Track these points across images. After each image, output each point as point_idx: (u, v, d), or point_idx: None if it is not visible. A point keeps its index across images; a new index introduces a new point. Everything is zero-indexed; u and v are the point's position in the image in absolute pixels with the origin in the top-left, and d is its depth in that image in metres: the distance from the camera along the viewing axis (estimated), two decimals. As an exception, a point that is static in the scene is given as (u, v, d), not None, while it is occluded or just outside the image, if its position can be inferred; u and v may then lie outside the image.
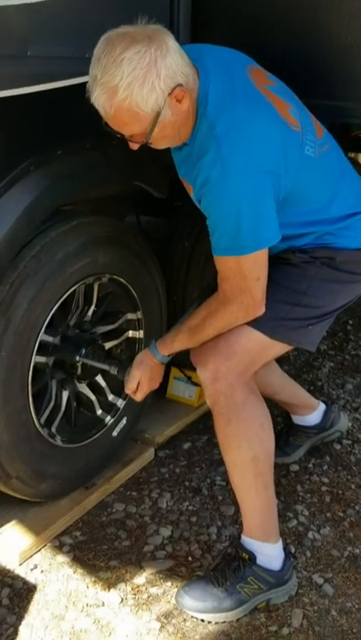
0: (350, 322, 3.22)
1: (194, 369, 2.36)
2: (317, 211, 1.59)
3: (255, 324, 1.60)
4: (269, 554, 1.72)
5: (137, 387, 1.77)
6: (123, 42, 1.33)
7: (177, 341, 1.67)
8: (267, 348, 1.66)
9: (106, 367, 1.94)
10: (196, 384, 2.41)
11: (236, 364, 1.61)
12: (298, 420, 2.25)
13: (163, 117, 1.39)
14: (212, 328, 1.60)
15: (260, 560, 1.70)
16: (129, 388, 1.78)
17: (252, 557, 1.70)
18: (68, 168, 1.74)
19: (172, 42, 1.38)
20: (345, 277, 1.65)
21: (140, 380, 1.76)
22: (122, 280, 2.02)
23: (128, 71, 1.32)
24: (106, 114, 1.39)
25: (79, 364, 1.93)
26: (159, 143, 1.50)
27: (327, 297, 1.66)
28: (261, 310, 1.56)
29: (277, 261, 1.62)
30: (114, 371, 1.89)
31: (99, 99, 1.37)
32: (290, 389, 2.20)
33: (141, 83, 1.33)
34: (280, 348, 1.69)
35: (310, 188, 1.56)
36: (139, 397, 1.80)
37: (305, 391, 2.27)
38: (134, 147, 1.48)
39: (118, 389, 2.07)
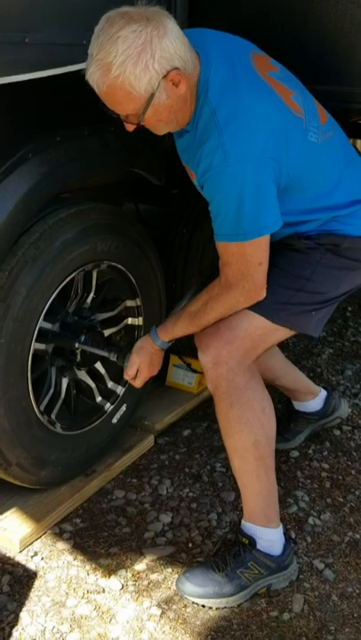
0: (349, 309, 3.22)
1: (193, 356, 2.38)
2: (322, 197, 1.59)
3: (257, 308, 1.59)
4: (270, 539, 1.73)
5: (136, 373, 1.77)
6: (121, 20, 1.34)
7: (178, 327, 1.67)
8: (269, 333, 1.65)
9: (105, 354, 1.93)
10: (196, 371, 2.41)
11: (237, 348, 1.60)
12: (299, 405, 2.25)
13: (157, 100, 1.39)
14: (214, 313, 1.60)
15: (261, 545, 1.71)
16: (128, 374, 1.79)
17: (253, 542, 1.71)
18: (67, 155, 1.72)
19: (171, 24, 1.37)
20: (349, 264, 1.65)
21: (140, 366, 1.76)
22: (120, 267, 2.01)
23: (122, 49, 1.32)
24: (99, 91, 1.38)
25: (78, 351, 1.93)
26: (157, 128, 1.49)
27: (331, 283, 1.65)
28: (263, 294, 1.56)
29: (282, 247, 1.62)
30: (113, 357, 1.89)
31: (93, 75, 1.36)
32: (292, 375, 2.20)
33: (135, 61, 1.33)
34: (282, 334, 1.68)
35: (314, 175, 1.55)
36: (138, 383, 1.80)
37: (306, 377, 2.27)
38: (130, 128, 1.47)
39: (118, 376, 2.06)
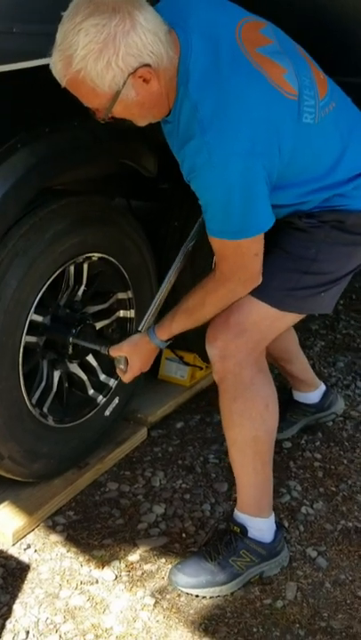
0: (341, 302, 3.23)
1: (186, 349, 2.38)
2: (321, 177, 1.51)
3: (263, 296, 1.56)
4: (261, 527, 1.73)
5: (127, 367, 1.74)
6: (86, 9, 1.24)
7: (175, 324, 1.63)
8: (277, 321, 1.63)
9: (97, 347, 1.92)
10: (188, 364, 2.41)
11: (245, 341, 1.59)
12: (299, 396, 2.26)
13: (125, 97, 1.31)
14: (212, 307, 1.57)
15: (252, 533, 1.71)
16: (120, 368, 1.76)
17: (244, 530, 1.71)
18: (56, 146, 1.72)
19: (141, 16, 1.26)
20: (356, 239, 1.58)
21: (131, 362, 1.73)
22: (112, 259, 2.00)
23: (83, 43, 1.24)
24: (62, 83, 1.31)
25: (70, 344, 1.92)
26: (135, 120, 1.43)
27: (338, 261, 1.59)
28: (259, 280, 1.52)
29: (284, 225, 1.55)
30: (104, 350, 1.87)
31: (55, 65, 1.29)
32: (301, 363, 2.21)
33: (96, 58, 1.24)
34: (292, 318, 1.66)
35: (311, 157, 1.47)
36: (126, 379, 1.77)
37: (311, 369, 2.27)
38: (100, 120, 1.39)
39: (110, 369, 2.06)
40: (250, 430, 1.64)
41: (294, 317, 1.67)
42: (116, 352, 1.74)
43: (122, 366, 1.75)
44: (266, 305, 1.57)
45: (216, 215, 1.41)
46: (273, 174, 1.40)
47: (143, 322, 1.72)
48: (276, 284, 1.56)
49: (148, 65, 1.29)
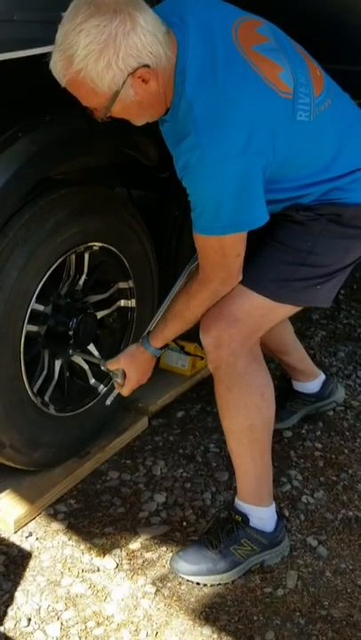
0: (342, 291, 3.22)
1: (187, 339, 2.38)
2: (318, 172, 1.52)
3: (258, 287, 1.57)
4: (262, 516, 1.74)
5: (124, 380, 1.74)
6: (87, 10, 1.26)
7: (168, 330, 1.65)
8: (272, 312, 1.64)
9: (95, 361, 1.94)
10: (189, 354, 2.41)
11: (238, 331, 1.59)
12: (298, 386, 2.26)
13: (124, 96, 1.33)
14: (197, 308, 1.59)
15: (253, 522, 1.72)
16: (117, 382, 1.77)
17: (246, 519, 1.72)
18: (57, 135, 1.71)
19: (141, 18, 1.27)
20: (354, 233, 1.58)
21: (129, 374, 1.73)
22: (113, 249, 2.00)
23: (84, 43, 1.25)
24: (62, 83, 1.33)
25: (72, 334, 1.92)
26: (130, 119, 1.44)
27: (335, 254, 1.60)
28: (238, 279, 1.55)
29: (281, 218, 1.56)
30: (102, 365, 1.82)
31: (56, 65, 1.30)
32: (299, 354, 2.21)
33: (96, 58, 1.26)
34: (287, 310, 1.67)
35: (307, 153, 1.49)
36: (125, 392, 1.77)
37: (310, 359, 2.27)
38: (98, 119, 1.41)
39: (111, 358, 2.06)
40: (246, 419, 1.64)
41: (290, 309, 1.67)
42: (113, 365, 1.75)
43: (119, 380, 1.75)
44: (260, 296, 1.58)
45: (205, 212, 1.41)
46: (267, 172, 1.41)
47: (145, 335, 1.73)
48: (271, 275, 1.57)
49: (147, 65, 1.31)
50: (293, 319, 2.85)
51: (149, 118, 1.45)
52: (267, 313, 1.62)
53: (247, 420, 1.64)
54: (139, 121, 1.46)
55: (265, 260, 1.58)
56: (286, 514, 1.91)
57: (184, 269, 1.70)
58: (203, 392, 2.42)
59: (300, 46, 1.55)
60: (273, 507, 1.77)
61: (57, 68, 1.31)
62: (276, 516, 1.77)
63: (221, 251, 1.46)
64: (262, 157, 1.37)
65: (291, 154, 1.44)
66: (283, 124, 1.41)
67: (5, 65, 1.44)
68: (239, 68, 1.38)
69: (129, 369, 1.74)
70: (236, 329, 1.58)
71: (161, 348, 1.70)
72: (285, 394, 2.28)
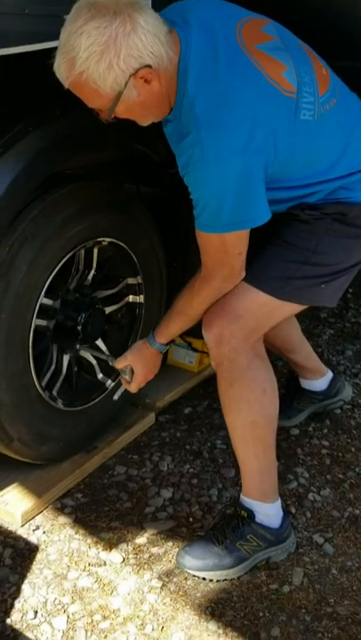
0: (350, 290, 3.21)
1: (194, 335, 2.38)
2: (323, 172, 1.53)
3: (261, 285, 1.57)
4: (268, 513, 1.74)
5: (132, 377, 1.76)
6: (88, 13, 1.27)
7: (172, 326, 1.66)
8: (275, 310, 1.63)
9: (104, 357, 1.95)
10: (197, 350, 2.41)
11: (240, 327, 1.59)
12: (305, 384, 2.26)
13: (127, 97, 1.34)
14: (200, 305, 1.59)
15: (259, 518, 1.72)
16: (124, 379, 1.78)
17: (251, 515, 1.72)
18: (67, 129, 1.71)
19: (141, 19, 1.28)
20: (358, 232, 1.58)
21: (136, 370, 1.75)
22: (122, 244, 2.00)
23: (85, 46, 1.27)
24: (65, 85, 1.34)
25: (80, 329, 1.93)
26: (137, 120, 1.45)
27: (340, 254, 1.60)
28: (242, 277, 1.55)
29: (286, 217, 1.57)
30: (111, 362, 1.85)
31: (59, 67, 1.32)
32: (306, 351, 2.21)
33: (97, 60, 1.27)
34: (290, 309, 1.67)
35: (311, 153, 1.49)
36: (132, 388, 1.79)
37: (317, 356, 2.27)
38: (103, 119, 1.42)
39: (119, 354, 2.06)
40: (248, 415, 1.64)
41: (293, 307, 1.67)
42: (121, 363, 1.77)
43: (127, 377, 1.77)
44: (263, 293, 1.58)
45: (207, 209, 1.42)
46: (268, 171, 1.41)
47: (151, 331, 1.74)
48: (274, 273, 1.57)
49: (148, 66, 1.31)
50: (301, 317, 2.85)
51: (154, 118, 1.46)
52: (270, 311, 1.62)
53: (249, 416, 1.65)
54: (144, 121, 1.47)
55: (269, 259, 1.58)
56: (293, 511, 1.91)
57: None
58: (210, 388, 2.42)
59: (307, 45, 1.56)
60: (279, 503, 1.77)
61: (60, 70, 1.33)
62: (282, 513, 1.77)
63: (223, 248, 1.47)
64: (263, 156, 1.38)
65: (294, 153, 1.44)
66: (285, 123, 1.41)
67: (17, 58, 1.44)
68: (242, 66, 1.38)
69: (136, 365, 1.75)
70: (237, 326, 1.59)
71: (166, 344, 1.71)
72: (293, 392, 2.28)
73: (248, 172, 1.37)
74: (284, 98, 1.41)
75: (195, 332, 2.38)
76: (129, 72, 1.30)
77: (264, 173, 1.39)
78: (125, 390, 2.10)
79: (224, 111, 1.34)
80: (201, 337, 2.37)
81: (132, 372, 1.76)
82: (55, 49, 1.45)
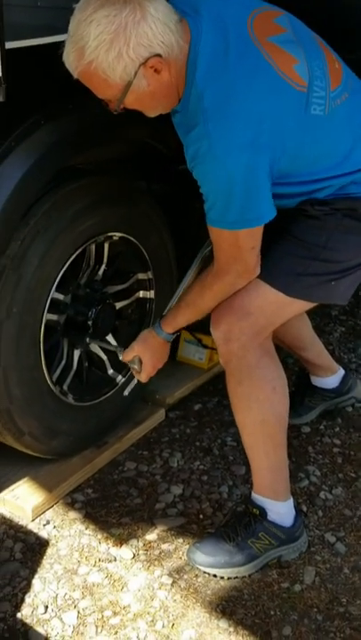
0: (362, 287, 3.19)
1: (204, 332, 2.37)
2: (333, 167, 1.51)
3: (270, 280, 1.56)
4: (280, 511, 1.72)
5: (140, 366, 1.74)
6: (97, 1, 1.26)
7: (179, 317, 1.64)
8: (285, 307, 1.61)
9: (112, 349, 1.95)
10: (207, 347, 2.40)
11: (249, 325, 1.57)
12: (317, 381, 2.24)
13: (136, 87, 1.32)
14: (211, 300, 1.57)
15: (271, 516, 1.71)
16: (134, 369, 1.76)
17: (263, 513, 1.71)
18: (79, 123, 1.71)
19: (151, 7, 1.27)
20: None
21: (144, 360, 1.73)
22: (132, 239, 1.99)
23: (95, 34, 1.25)
24: (74, 74, 1.32)
25: (90, 324, 1.92)
26: (143, 111, 1.44)
27: (351, 250, 1.58)
28: (256, 273, 1.53)
29: (296, 213, 1.56)
30: (120, 353, 1.84)
31: (68, 57, 1.30)
32: (317, 349, 2.19)
33: (107, 49, 1.26)
34: (300, 306, 1.65)
35: (321, 148, 1.47)
36: (143, 378, 1.77)
37: (328, 354, 2.25)
38: (111, 110, 1.40)
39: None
40: (257, 414, 1.63)
41: (303, 305, 1.65)
42: (128, 355, 1.75)
43: (136, 366, 1.75)
44: (273, 289, 1.56)
45: (216, 204, 1.40)
46: (275, 166, 1.39)
47: (157, 320, 1.72)
48: (284, 268, 1.55)
49: (158, 55, 1.30)
50: (312, 314, 2.83)
51: (162, 110, 1.45)
52: (279, 308, 1.61)
53: (259, 415, 1.63)
54: (152, 112, 1.45)
55: (279, 254, 1.56)
56: (304, 509, 1.89)
57: (198, 254, 1.69)
58: (220, 385, 2.40)
59: (320, 38, 1.53)
60: (291, 502, 1.75)
61: (69, 59, 1.31)
62: (294, 512, 1.75)
63: (236, 243, 1.45)
64: (270, 152, 1.36)
65: (303, 148, 1.42)
66: (295, 118, 1.39)
67: (29, 51, 1.43)
68: (252, 59, 1.36)
69: (144, 355, 1.73)
70: (246, 322, 1.57)
71: (173, 334, 1.69)
72: (304, 389, 2.27)
73: (254, 166, 1.35)
74: (294, 92, 1.39)
75: (205, 328, 2.38)
76: (139, 61, 1.29)
77: (270, 170, 1.38)
78: (136, 386, 2.10)
79: (232, 105, 1.32)
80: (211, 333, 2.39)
81: (141, 362, 1.75)
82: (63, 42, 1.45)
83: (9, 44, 1.36)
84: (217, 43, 1.36)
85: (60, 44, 1.41)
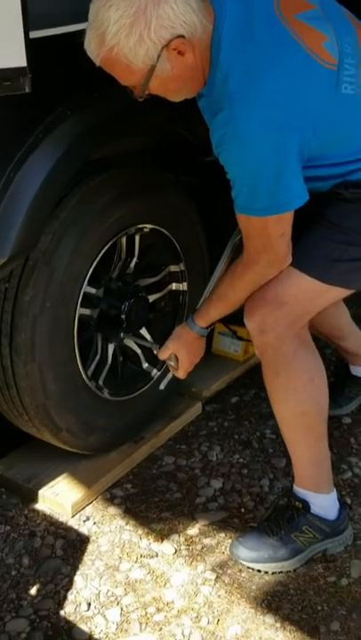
0: None
1: (238, 323, 2.33)
2: None
3: (306, 267, 1.50)
4: (323, 504, 1.68)
5: (177, 363, 1.71)
6: None
7: (212, 311, 1.61)
8: (321, 295, 1.56)
9: (148, 345, 1.93)
10: (242, 339, 2.36)
11: (284, 315, 1.53)
12: (356, 371, 2.18)
13: (160, 71, 1.28)
14: (243, 291, 1.53)
15: (314, 509, 1.66)
16: (171, 365, 1.73)
17: (306, 506, 1.66)
18: (106, 113, 1.68)
19: None
20: None
21: (180, 356, 1.70)
22: (164, 231, 1.96)
23: (115, 19, 1.21)
24: (96, 62, 1.29)
25: (124, 319, 1.90)
26: (168, 96, 1.39)
27: None
28: (288, 262, 1.48)
29: (331, 196, 1.51)
30: (155, 349, 1.82)
31: (89, 44, 1.27)
32: (356, 337, 2.13)
33: (127, 33, 1.22)
34: (337, 293, 1.59)
35: (353, 128, 1.41)
36: (180, 374, 1.74)
37: None
38: (137, 97, 1.36)
39: (163, 342, 2.03)
40: (296, 405, 1.59)
41: (340, 292, 1.59)
42: (164, 353, 1.72)
43: (172, 363, 1.72)
44: (308, 277, 1.50)
45: (243, 190, 1.36)
46: (306, 149, 1.34)
47: (190, 314, 1.69)
48: (320, 255, 1.50)
49: (181, 36, 1.25)
50: (349, 303, 2.76)
51: (187, 94, 1.40)
52: (316, 296, 1.55)
53: (298, 406, 1.59)
54: (177, 97, 1.41)
55: (313, 240, 1.51)
56: (348, 502, 1.84)
57: (228, 243, 1.65)
58: (256, 377, 2.35)
59: (351, 14, 1.47)
60: (334, 494, 1.71)
61: (90, 47, 1.28)
62: (338, 504, 1.70)
63: (265, 231, 1.40)
64: (298, 133, 1.31)
65: (334, 129, 1.37)
66: (325, 97, 1.34)
67: (55, 40, 1.41)
68: (279, 37, 1.31)
69: (179, 351, 1.70)
70: (281, 312, 1.52)
71: (207, 328, 1.65)
72: (343, 379, 2.21)
73: (282, 148, 1.30)
74: (324, 71, 1.33)
75: (240, 320, 2.34)
76: (161, 44, 1.25)
77: (300, 152, 1.33)
78: (171, 380, 2.07)
79: (259, 86, 1.28)
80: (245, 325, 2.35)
81: (177, 358, 1.72)
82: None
83: (33, 34, 1.33)
84: (242, 22, 1.31)
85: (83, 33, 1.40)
